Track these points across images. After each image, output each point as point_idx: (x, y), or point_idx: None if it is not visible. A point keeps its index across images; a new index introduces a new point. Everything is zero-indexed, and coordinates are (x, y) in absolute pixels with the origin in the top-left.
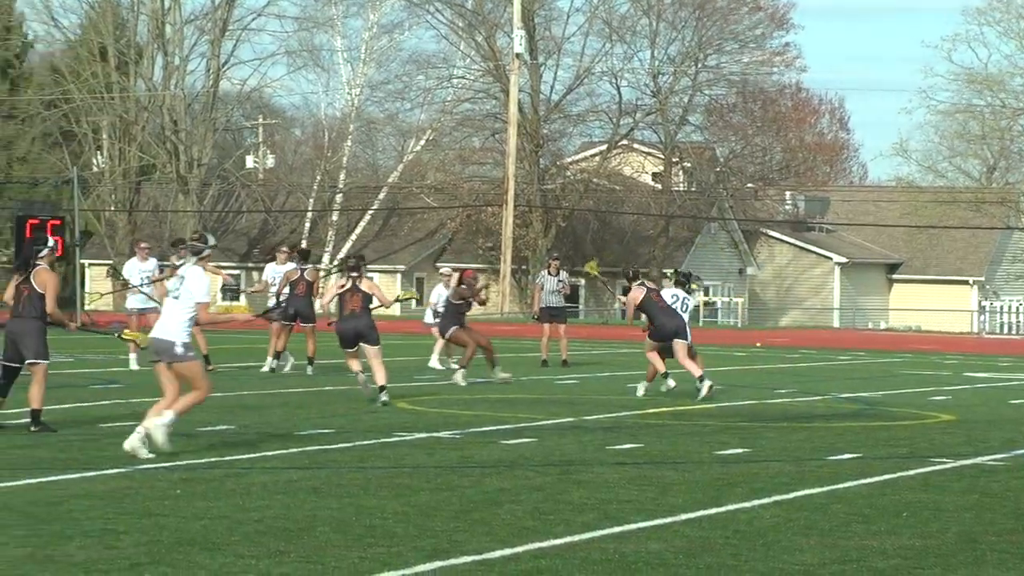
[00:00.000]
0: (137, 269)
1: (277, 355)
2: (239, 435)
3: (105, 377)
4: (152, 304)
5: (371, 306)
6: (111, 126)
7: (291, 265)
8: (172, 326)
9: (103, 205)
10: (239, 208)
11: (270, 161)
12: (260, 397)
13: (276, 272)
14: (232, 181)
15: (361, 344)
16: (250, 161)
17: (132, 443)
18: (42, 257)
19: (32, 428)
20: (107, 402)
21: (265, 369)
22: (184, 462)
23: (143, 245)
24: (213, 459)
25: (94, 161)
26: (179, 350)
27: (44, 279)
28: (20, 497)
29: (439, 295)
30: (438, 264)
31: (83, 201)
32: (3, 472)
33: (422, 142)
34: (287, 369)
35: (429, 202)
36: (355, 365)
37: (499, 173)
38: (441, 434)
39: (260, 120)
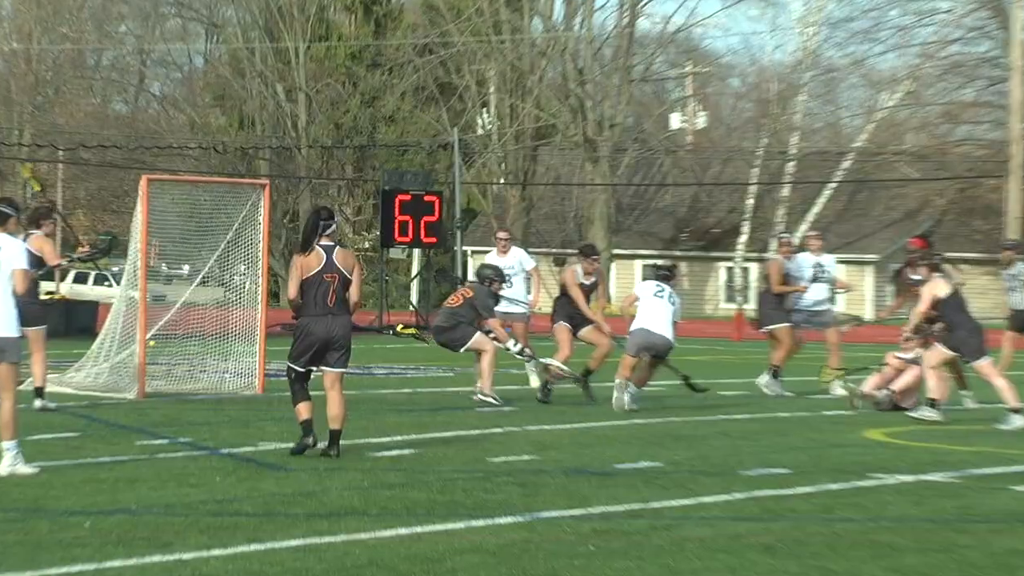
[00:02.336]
0: (504, 266)
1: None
2: (668, 475)
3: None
4: (519, 309)
5: None
6: (500, 77)
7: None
8: None
9: (490, 176)
10: (662, 180)
11: (701, 120)
12: (694, 425)
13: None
14: (653, 146)
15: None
16: (676, 120)
17: None
18: (330, 234)
19: (331, 452)
20: (498, 430)
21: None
22: (597, 509)
23: (502, 236)
24: (635, 506)
25: (479, 121)
26: None
27: (352, 261)
28: (392, 550)
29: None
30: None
31: (465, 172)
32: (372, 519)
33: (897, 95)
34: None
35: (908, 172)
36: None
37: (1000, 134)
38: (931, 476)
39: (688, 68)
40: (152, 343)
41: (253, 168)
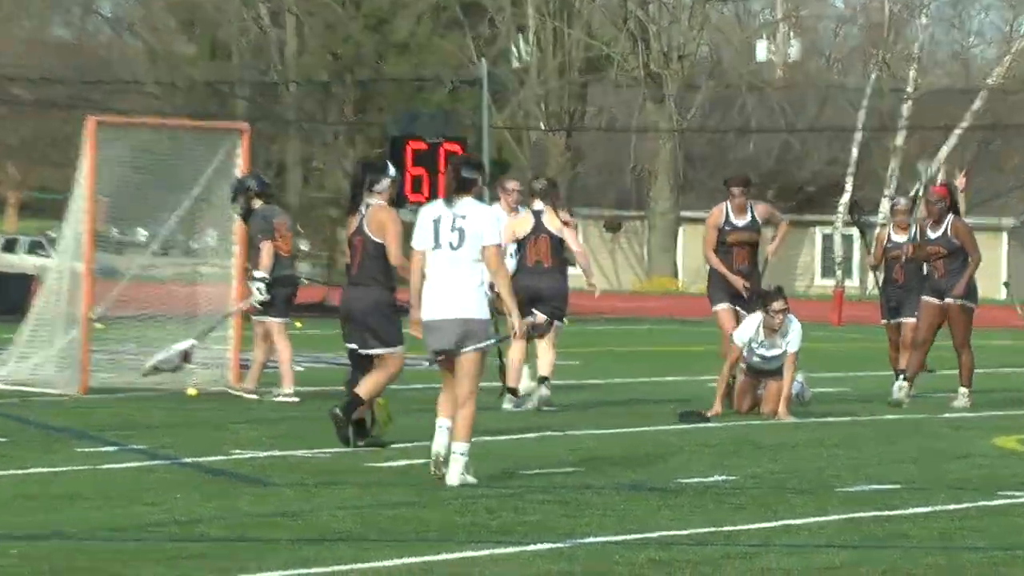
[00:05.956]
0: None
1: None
2: (746, 491)
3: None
4: None
5: None
6: None
7: None
8: None
9: (528, 120)
10: (744, 125)
11: (794, 50)
12: (781, 431)
13: None
14: (733, 82)
15: None
16: (762, 51)
17: None
18: (379, 191)
19: (358, 443)
20: (534, 435)
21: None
22: (656, 534)
23: (509, 186)
24: (703, 530)
25: (514, 50)
26: None
27: (382, 219)
28: None
29: None
30: None
31: (496, 114)
32: (371, 544)
33: None
34: None
35: None
36: None
37: None
38: None
39: None
40: (99, 325)
41: (229, 109)
